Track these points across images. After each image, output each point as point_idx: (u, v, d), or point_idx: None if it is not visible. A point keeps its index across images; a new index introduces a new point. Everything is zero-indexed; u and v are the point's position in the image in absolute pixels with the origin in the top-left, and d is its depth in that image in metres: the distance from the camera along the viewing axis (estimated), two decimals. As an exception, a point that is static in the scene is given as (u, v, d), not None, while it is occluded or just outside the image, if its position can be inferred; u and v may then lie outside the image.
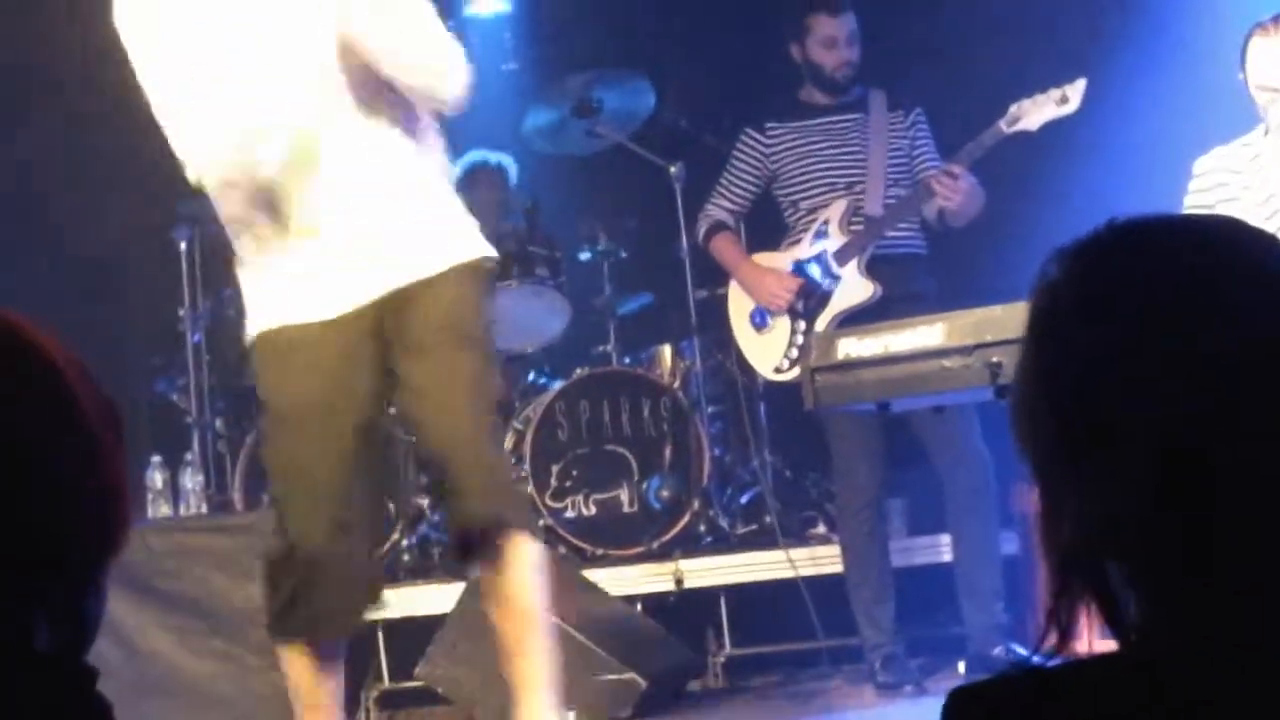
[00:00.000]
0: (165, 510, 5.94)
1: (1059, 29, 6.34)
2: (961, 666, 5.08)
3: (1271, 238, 1.24)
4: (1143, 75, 6.03)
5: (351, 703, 3.70)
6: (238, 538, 5.23)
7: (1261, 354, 1.15)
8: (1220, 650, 1.12)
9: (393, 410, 3.73)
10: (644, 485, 5.97)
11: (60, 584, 1.18)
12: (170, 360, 6.55)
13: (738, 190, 5.57)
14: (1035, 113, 4.96)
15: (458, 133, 3.89)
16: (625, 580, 5.60)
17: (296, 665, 3.57)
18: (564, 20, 7.19)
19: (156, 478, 5.96)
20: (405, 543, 5.91)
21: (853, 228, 5.31)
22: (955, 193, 5.04)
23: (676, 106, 6.53)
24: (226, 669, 5.12)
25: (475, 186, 6.22)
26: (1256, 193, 4.34)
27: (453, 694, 5.05)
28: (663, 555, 5.75)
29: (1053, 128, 4.97)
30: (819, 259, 5.34)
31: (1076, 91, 4.92)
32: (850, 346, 3.85)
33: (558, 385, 6.06)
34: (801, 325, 5.36)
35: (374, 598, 3.66)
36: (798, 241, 5.40)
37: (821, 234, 5.34)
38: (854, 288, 5.28)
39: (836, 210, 5.33)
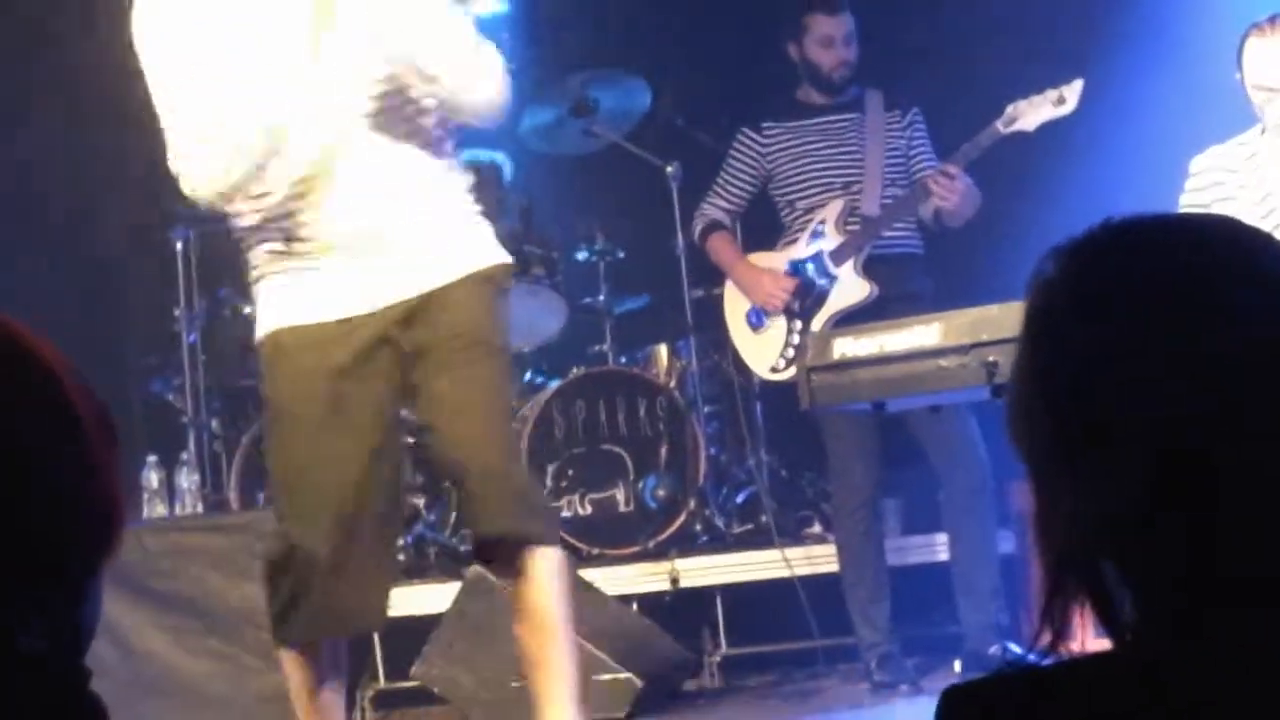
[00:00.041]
0: (161, 510, 5.94)
1: (1056, 30, 6.33)
2: (957, 665, 5.08)
3: (1268, 236, 1.23)
4: (1140, 75, 6.03)
5: (347, 703, 3.68)
6: (233, 537, 5.23)
7: (1258, 353, 1.14)
8: (1220, 650, 1.12)
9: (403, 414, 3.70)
10: (640, 485, 5.97)
11: (57, 589, 1.19)
12: (166, 360, 6.55)
13: (734, 190, 5.57)
14: (1032, 113, 4.96)
15: (453, 132, 3.88)
16: (621, 580, 5.60)
17: (296, 667, 3.55)
18: (561, 20, 7.18)
19: (152, 477, 5.96)
20: (401, 542, 5.90)
21: (849, 228, 5.31)
22: (952, 193, 5.05)
23: (673, 106, 6.53)
24: (222, 668, 5.12)
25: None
26: (1253, 192, 4.35)
27: (449, 694, 5.05)
28: (658, 555, 5.75)
29: (1049, 128, 4.97)
30: (815, 259, 5.34)
31: (1073, 92, 4.92)
32: (846, 346, 3.86)
33: (554, 385, 6.06)
34: (798, 325, 5.36)
35: (382, 601, 3.60)
36: (794, 241, 5.40)
37: (818, 234, 5.34)
38: (851, 288, 5.28)
39: (833, 210, 5.33)
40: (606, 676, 4.81)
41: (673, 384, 6.22)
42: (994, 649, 4.91)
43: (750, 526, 6.07)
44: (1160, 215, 1.24)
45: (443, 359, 3.44)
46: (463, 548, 5.96)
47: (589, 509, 5.92)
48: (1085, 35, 6.20)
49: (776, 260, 5.44)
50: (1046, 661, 1.18)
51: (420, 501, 5.96)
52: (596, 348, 6.47)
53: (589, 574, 5.42)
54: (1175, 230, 1.24)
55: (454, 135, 3.56)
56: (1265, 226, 3.81)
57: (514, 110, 6.48)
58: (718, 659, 5.52)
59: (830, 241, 5.32)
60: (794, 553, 5.55)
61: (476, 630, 4.99)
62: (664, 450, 6.01)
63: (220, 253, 6.47)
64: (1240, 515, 1.13)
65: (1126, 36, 6.19)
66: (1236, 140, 4.42)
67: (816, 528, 5.99)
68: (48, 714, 1.16)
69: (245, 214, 3.47)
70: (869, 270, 5.27)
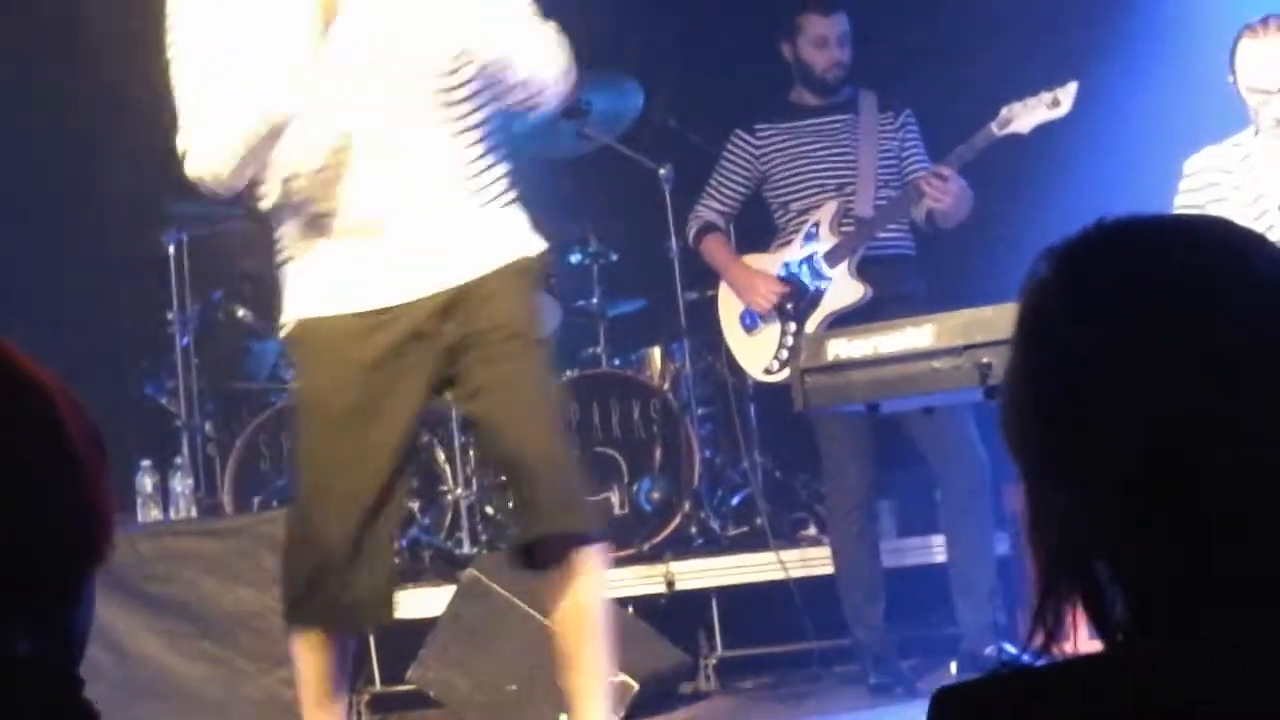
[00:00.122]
0: (155, 514, 5.93)
1: (1051, 31, 6.34)
2: (953, 666, 5.08)
3: (1261, 238, 1.24)
4: (1134, 76, 6.04)
5: (343, 706, 3.66)
6: (227, 541, 5.22)
7: (1251, 354, 1.14)
8: (1214, 650, 1.12)
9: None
10: (634, 487, 5.97)
11: (49, 601, 1.21)
12: (159, 364, 6.54)
13: (728, 191, 5.57)
14: (1026, 116, 4.96)
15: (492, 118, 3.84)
16: (616, 582, 5.58)
17: (310, 657, 3.50)
18: (552, 21, 7.17)
19: (146, 481, 5.95)
20: (396, 546, 5.89)
21: (843, 229, 5.31)
22: (945, 194, 5.04)
23: (666, 108, 6.53)
24: (216, 672, 5.11)
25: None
26: (1246, 193, 4.35)
27: (444, 697, 5.04)
28: (653, 557, 5.75)
29: (1043, 130, 4.97)
30: (809, 260, 5.34)
31: (1068, 95, 4.92)
32: (840, 348, 3.85)
33: (548, 387, 6.06)
34: (792, 327, 5.36)
35: (391, 595, 3.56)
36: (788, 243, 5.40)
37: (812, 235, 5.34)
38: (844, 289, 5.28)
39: (827, 212, 5.33)
40: (601, 679, 4.81)
41: (667, 386, 6.22)
42: (990, 650, 4.91)
43: (745, 529, 6.06)
44: (1154, 216, 1.24)
45: (487, 353, 3.41)
46: (457, 551, 5.96)
47: (584, 511, 5.91)
48: (1080, 38, 6.21)
49: (770, 262, 5.44)
50: (1040, 662, 1.18)
51: (414, 505, 5.95)
52: (590, 350, 6.47)
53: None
54: (1169, 231, 1.24)
55: (493, 121, 3.51)
56: (1258, 227, 3.82)
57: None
58: (713, 661, 5.52)
59: (824, 243, 5.32)
60: (789, 555, 5.55)
61: (472, 634, 4.98)
62: (658, 453, 6.01)
63: (214, 256, 6.49)
64: (1233, 515, 1.13)
65: (1121, 38, 6.20)
66: (1231, 141, 4.43)
67: (811, 530, 6.00)
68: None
69: (270, 195, 3.43)
70: (863, 272, 5.27)
